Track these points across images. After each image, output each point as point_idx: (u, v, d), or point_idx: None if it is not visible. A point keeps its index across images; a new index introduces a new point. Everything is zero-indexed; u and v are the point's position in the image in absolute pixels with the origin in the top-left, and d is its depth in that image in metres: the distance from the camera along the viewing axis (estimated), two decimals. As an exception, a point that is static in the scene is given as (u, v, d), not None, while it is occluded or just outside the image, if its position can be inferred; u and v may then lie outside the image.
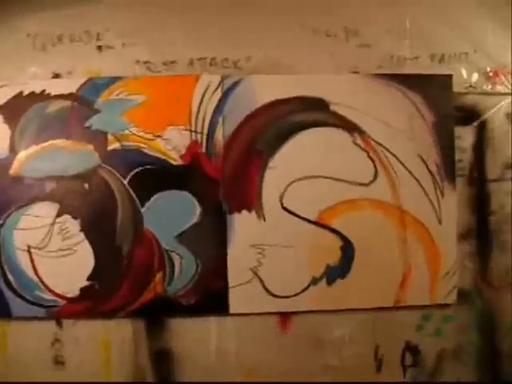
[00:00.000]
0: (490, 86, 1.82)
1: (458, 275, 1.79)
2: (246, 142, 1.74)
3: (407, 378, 1.80)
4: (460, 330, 1.82)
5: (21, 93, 1.72)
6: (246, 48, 1.76)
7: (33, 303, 1.71)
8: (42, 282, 1.71)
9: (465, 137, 1.81)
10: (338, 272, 1.75)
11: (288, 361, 1.77)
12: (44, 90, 1.72)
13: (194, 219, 1.73)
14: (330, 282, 1.75)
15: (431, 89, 1.78)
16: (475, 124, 1.82)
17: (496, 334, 1.83)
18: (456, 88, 1.80)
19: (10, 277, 1.71)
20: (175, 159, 1.73)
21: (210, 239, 1.73)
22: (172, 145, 1.73)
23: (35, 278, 1.71)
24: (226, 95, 1.74)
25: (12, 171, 1.71)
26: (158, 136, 1.73)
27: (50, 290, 1.71)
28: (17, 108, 1.72)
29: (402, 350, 1.80)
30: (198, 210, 1.73)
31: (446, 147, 1.78)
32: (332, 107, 1.75)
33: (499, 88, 1.82)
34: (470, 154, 1.81)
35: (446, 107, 1.78)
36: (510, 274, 1.81)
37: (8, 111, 1.72)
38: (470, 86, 1.82)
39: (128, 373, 1.75)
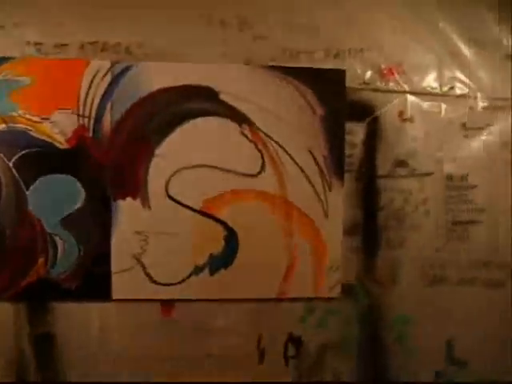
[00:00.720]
0: (383, 84, 1.83)
1: (342, 269, 1.81)
2: (134, 128, 1.73)
3: (290, 369, 1.83)
4: (344, 323, 1.84)
5: None
6: (138, 34, 1.74)
7: None
8: None
9: (356, 132, 1.82)
10: (221, 262, 1.76)
11: (171, 348, 1.78)
12: None
13: (79, 204, 1.72)
14: (212, 272, 1.76)
15: (323, 83, 1.78)
16: (367, 120, 1.83)
17: (379, 328, 1.86)
18: (350, 84, 1.80)
19: None
20: (61, 143, 1.72)
21: (94, 225, 1.73)
22: (59, 128, 1.71)
23: None
24: (115, 81, 1.72)
25: None
26: (46, 119, 1.71)
27: None
28: None
29: (285, 341, 1.83)
30: (83, 194, 1.72)
31: (336, 142, 1.79)
32: (221, 97, 1.75)
33: (392, 85, 1.84)
34: (360, 150, 1.83)
35: (338, 102, 1.79)
36: (395, 270, 1.85)
37: None
38: (364, 83, 1.83)
39: (8, 356, 1.74)
